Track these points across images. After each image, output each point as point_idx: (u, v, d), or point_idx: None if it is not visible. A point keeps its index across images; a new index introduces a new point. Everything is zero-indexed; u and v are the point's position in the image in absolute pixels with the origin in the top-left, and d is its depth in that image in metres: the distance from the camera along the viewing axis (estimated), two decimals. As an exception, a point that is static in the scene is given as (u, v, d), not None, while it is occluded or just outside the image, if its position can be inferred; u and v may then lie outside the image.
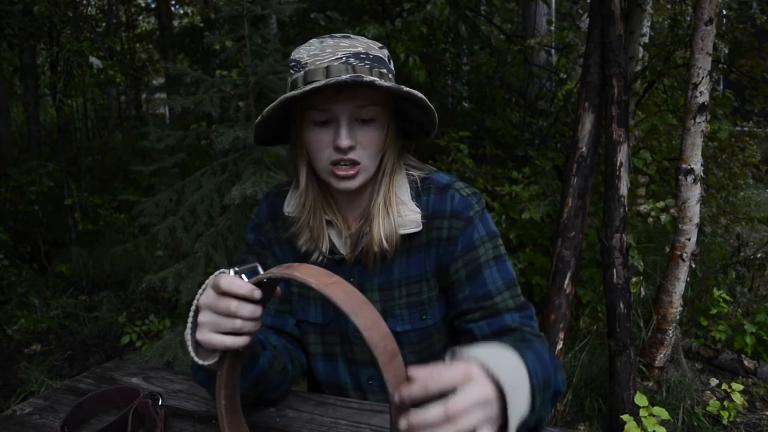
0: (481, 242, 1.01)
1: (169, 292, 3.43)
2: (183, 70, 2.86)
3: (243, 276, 0.76)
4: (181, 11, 11.97)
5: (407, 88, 0.89)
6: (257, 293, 0.74)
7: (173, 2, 10.59)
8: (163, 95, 8.40)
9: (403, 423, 0.60)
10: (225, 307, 0.73)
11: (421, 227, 1.00)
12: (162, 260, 4.12)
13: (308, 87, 0.86)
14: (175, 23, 10.56)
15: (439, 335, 1.07)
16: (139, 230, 4.66)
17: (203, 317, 0.75)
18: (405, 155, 1.08)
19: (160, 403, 0.97)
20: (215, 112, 2.72)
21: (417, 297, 1.05)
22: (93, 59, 4.18)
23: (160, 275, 2.66)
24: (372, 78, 0.87)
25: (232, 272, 0.75)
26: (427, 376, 0.61)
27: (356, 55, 0.92)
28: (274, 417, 0.99)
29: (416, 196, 1.03)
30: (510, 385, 0.65)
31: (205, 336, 0.74)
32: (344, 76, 0.86)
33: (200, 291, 0.78)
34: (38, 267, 4.57)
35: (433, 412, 0.59)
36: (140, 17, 11.57)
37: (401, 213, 1.00)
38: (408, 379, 0.62)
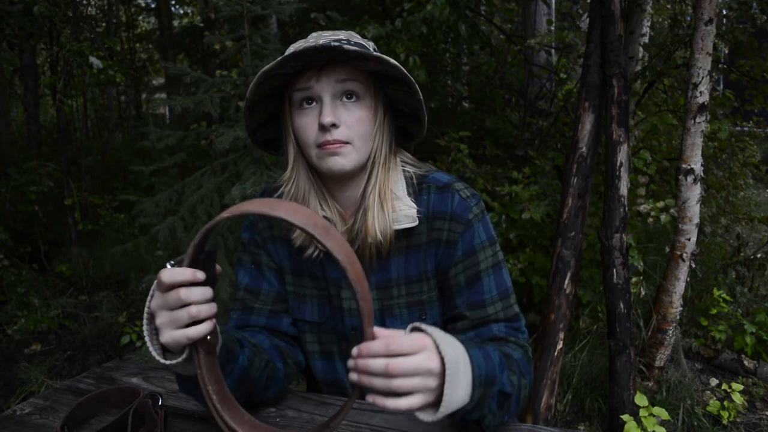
0: (481, 248, 1.01)
1: (169, 292, 3.42)
2: (183, 70, 2.86)
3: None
4: (181, 11, 11.96)
5: (378, 54, 0.90)
6: (200, 274, 0.74)
7: (173, 2, 10.58)
8: (163, 95, 8.39)
9: (351, 362, 0.70)
10: (175, 299, 0.73)
11: (416, 222, 0.99)
12: (162, 260, 4.11)
13: (279, 58, 0.88)
14: (175, 23, 10.56)
15: None
16: (139, 230, 4.66)
17: (160, 319, 0.74)
18: (401, 152, 1.08)
19: (160, 403, 0.97)
20: (215, 112, 2.72)
21: (417, 297, 1.04)
22: (93, 59, 4.18)
23: (160, 275, 2.65)
24: (336, 43, 0.88)
25: (168, 266, 0.76)
26: (389, 337, 0.70)
27: (336, 41, 0.94)
28: (274, 417, 0.99)
29: (414, 193, 1.02)
30: (451, 367, 0.71)
31: (168, 335, 0.74)
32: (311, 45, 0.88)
33: (148, 299, 0.77)
34: (38, 267, 4.57)
35: (377, 363, 0.67)
36: (140, 17, 11.57)
37: (396, 208, 1.00)
38: (373, 336, 0.70)
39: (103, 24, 9.63)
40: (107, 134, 9.09)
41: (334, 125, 0.92)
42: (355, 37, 0.98)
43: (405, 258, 1.03)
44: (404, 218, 0.99)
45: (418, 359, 0.69)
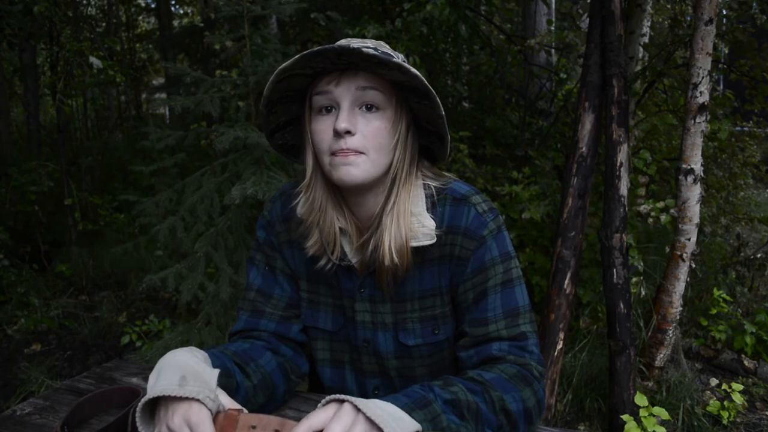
0: (491, 264, 0.97)
1: (169, 292, 3.43)
2: (183, 70, 2.85)
3: None
4: (181, 11, 11.97)
5: (400, 62, 0.85)
6: None
7: (173, 2, 10.59)
8: (163, 95, 8.39)
9: None
10: None
11: (434, 240, 0.96)
12: (162, 260, 4.12)
13: (297, 56, 0.86)
14: (175, 23, 10.56)
15: (450, 349, 1.05)
16: (139, 230, 4.65)
17: None
18: (423, 166, 1.04)
19: (160, 403, 0.97)
20: (215, 112, 2.72)
21: (430, 311, 1.02)
22: (93, 59, 4.18)
23: (160, 275, 2.65)
24: (357, 46, 0.84)
25: None
26: (306, 419, 0.72)
27: (363, 46, 0.90)
28: (274, 417, 0.99)
29: (432, 207, 0.99)
30: (383, 415, 0.72)
31: None
32: (332, 45, 0.85)
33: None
34: (38, 267, 4.57)
35: None
36: (140, 17, 11.55)
37: (414, 225, 0.96)
38: None
39: (103, 24, 9.63)
40: (107, 134, 9.08)
41: (348, 132, 0.89)
42: (384, 47, 0.95)
43: (419, 272, 1.00)
44: (422, 236, 0.96)
45: (337, 425, 0.71)
